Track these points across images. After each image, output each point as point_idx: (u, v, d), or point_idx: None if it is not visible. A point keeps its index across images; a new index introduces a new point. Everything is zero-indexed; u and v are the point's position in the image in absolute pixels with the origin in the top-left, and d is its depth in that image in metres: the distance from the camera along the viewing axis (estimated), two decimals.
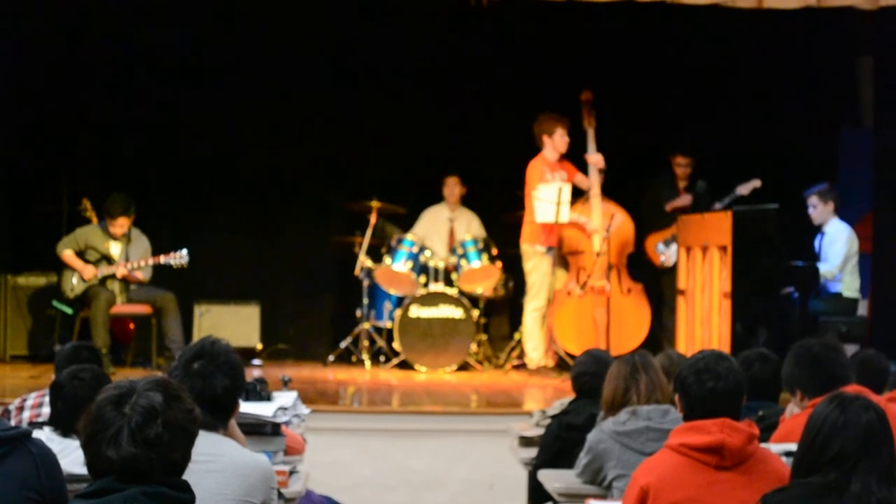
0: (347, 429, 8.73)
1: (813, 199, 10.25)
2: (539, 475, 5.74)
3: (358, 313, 11.56)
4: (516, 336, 11.52)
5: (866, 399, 3.46)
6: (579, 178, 11.08)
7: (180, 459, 2.93)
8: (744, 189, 10.94)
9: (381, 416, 8.99)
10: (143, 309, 10.76)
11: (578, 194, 11.16)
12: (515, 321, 11.71)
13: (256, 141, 12.06)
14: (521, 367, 11.20)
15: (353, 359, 11.53)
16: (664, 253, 11.35)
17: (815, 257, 10.31)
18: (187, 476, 2.95)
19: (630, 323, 11.00)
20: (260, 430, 5.09)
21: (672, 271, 10.86)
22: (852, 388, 4.59)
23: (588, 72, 11.69)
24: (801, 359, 5.12)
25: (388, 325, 11.48)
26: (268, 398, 5.71)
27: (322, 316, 12.48)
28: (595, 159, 11.08)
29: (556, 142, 10.91)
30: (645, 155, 11.88)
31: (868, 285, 10.77)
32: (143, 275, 10.66)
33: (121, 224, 10.60)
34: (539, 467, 5.88)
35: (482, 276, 11.40)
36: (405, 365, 11.23)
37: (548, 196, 10.65)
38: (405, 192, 11.95)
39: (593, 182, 11.09)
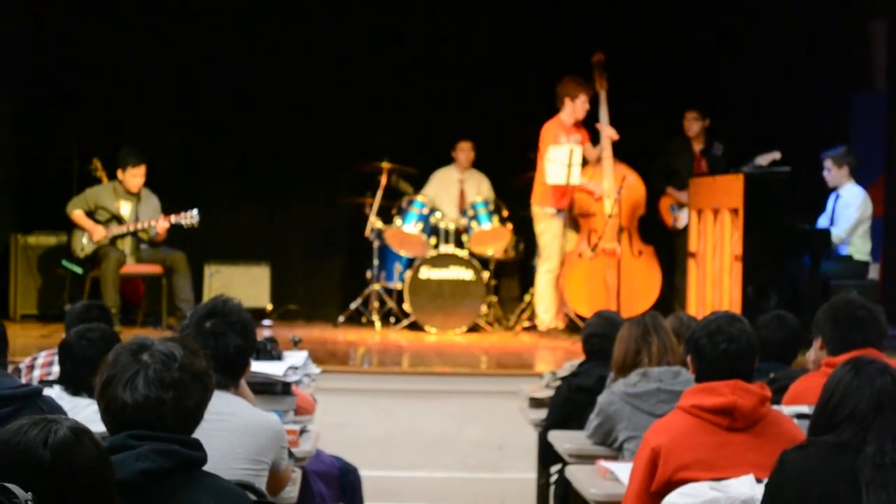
0: (357, 389, 8.74)
1: (827, 163, 10.13)
2: (549, 436, 5.74)
3: (368, 274, 11.56)
4: (527, 298, 11.51)
5: (882, 363, 3.43)
6: (587, 149, 10.96)
7: (193, 408, 2.93)
8: (763, 160, 10.79)
9: (391, 377, 9.00)
10: (153, 269, 10.74)
11: None
12: (526, 283, 11.70)
13: (267, 102, 12.04)
14: (532, 328, 11.20)
15: (364, 320, 11.54)
16: (677, 215, 11.31)
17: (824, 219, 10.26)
18: (198, 434, 2.95)
19: (641, 285, 10.96)
20: (270, 390, 5.09)
21: (684, 233, 10.81)
22: (871, 352, 4.55)
23: (600, 34, 11.62)
24: (836, 313, 5.01)
25: (399, 286, 11.47)
26: (278, 357, 5.72)
27: (332, 277, 12.49)
28: (609, 132, 10.96)
29: (576, 106, 10.79)
30: (656, 118, 11.80)
31: (880, 249, 10.73)
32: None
33: (137, 174, 10.52)
34: (549, 429, 5.88)
35: (493, 237, 11.39)
36: (415, 326, 11.23)
37: (559, 157, 10.60)
38: (415, 153, 11.90)
39: (604, 147, 11.00)
